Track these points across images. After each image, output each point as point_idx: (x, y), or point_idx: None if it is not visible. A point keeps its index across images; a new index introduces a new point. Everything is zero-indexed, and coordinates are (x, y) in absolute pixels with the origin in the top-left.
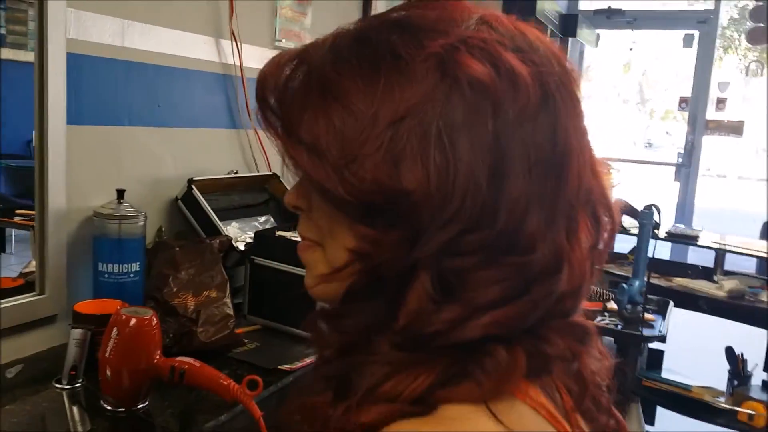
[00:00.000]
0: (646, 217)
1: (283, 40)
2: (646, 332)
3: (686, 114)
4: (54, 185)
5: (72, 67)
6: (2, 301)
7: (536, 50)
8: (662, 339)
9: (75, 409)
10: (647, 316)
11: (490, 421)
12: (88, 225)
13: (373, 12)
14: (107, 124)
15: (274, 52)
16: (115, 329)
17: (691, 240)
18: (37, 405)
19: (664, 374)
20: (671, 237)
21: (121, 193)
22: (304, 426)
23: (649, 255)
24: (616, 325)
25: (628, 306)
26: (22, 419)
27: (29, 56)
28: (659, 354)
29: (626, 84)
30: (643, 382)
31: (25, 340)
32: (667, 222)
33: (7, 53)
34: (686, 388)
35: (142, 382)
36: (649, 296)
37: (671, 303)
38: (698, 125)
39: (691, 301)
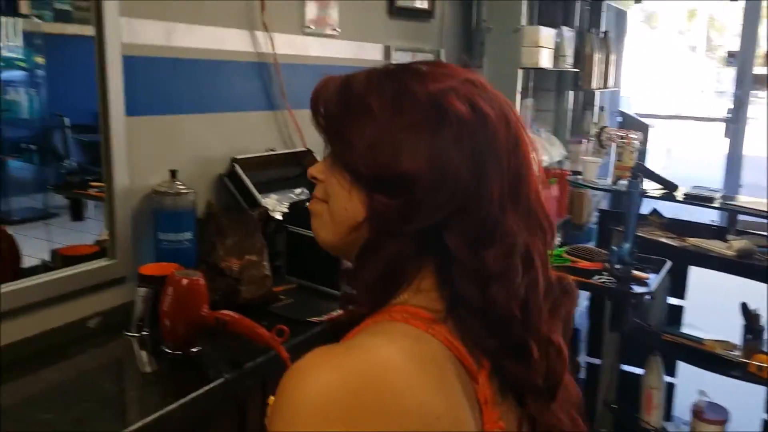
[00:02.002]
0: (632, 186)
1: (312, 26)
2: (638, 289)
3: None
4: (118, 168)
5: (127, 67)
6: (82, 264)
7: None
8: (652, 295)
9: (143, 353)
10: (642, 274)
11: None
12: (148, 200)
13: (398, 1)
14: (160, 113)
15: (304, 38)
16: (171, 288)
17: (705, 201)
18: (114, 349)
19: (685, 329)
20: (688, 198)
21: (174, 173)
22: None
23: (669, 216)
24: (613, 283)
25: (618, 266)
26: (104, 360)
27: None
28: (679, 310)
29: (692, 31)
30: (663, 337)
31: (101, 297)
32: (716, 178)
33: (74, 29)
34: (699, 341)
35: (194, 330)
36: (645, 256)
37: (668, 262)
38: (746, 81)
39: (706, 260)
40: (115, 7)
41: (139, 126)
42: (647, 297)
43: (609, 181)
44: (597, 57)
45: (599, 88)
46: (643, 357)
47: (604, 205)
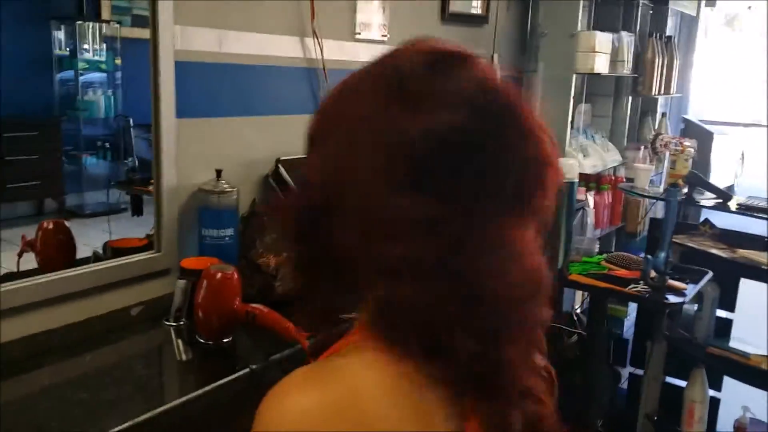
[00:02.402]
0: (670, 194)
1: (362, 33)
2: (672, 299)
3: None
4: (167, 167)
5: (179, 72)
6: (130, 256)
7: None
8: (683, 305)
9: (179, 341)
10: (680, 284)
11: None
12: (194, 198)
13: (451, 7)
14: (208, 116)
15: (354, 44)
16: (205, 281)
17: (759, 212)
18: (153, 337)
19: (733, 343)
20: (741, 209)
21: (219, 173)
22: None
23: (727, 227)
24: (647, 293)
25: (654, 276)
26: (143, 347)
27: None
28: (727, 323)
29: None
30: (708, 350)
31: (145, 287)
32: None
33: (145, 33)
34: (745, 355)
35: (226, 322)
36: (686, 266)
37: (709, 273)
38: None
39: (756, 273)
40: (169, 16)
41: (189, 127)
42: (684, 306)
43: (661, 188)
44: (658, 62)
45: (660, 94)
46: (689, 370)
47: (660, 213)
